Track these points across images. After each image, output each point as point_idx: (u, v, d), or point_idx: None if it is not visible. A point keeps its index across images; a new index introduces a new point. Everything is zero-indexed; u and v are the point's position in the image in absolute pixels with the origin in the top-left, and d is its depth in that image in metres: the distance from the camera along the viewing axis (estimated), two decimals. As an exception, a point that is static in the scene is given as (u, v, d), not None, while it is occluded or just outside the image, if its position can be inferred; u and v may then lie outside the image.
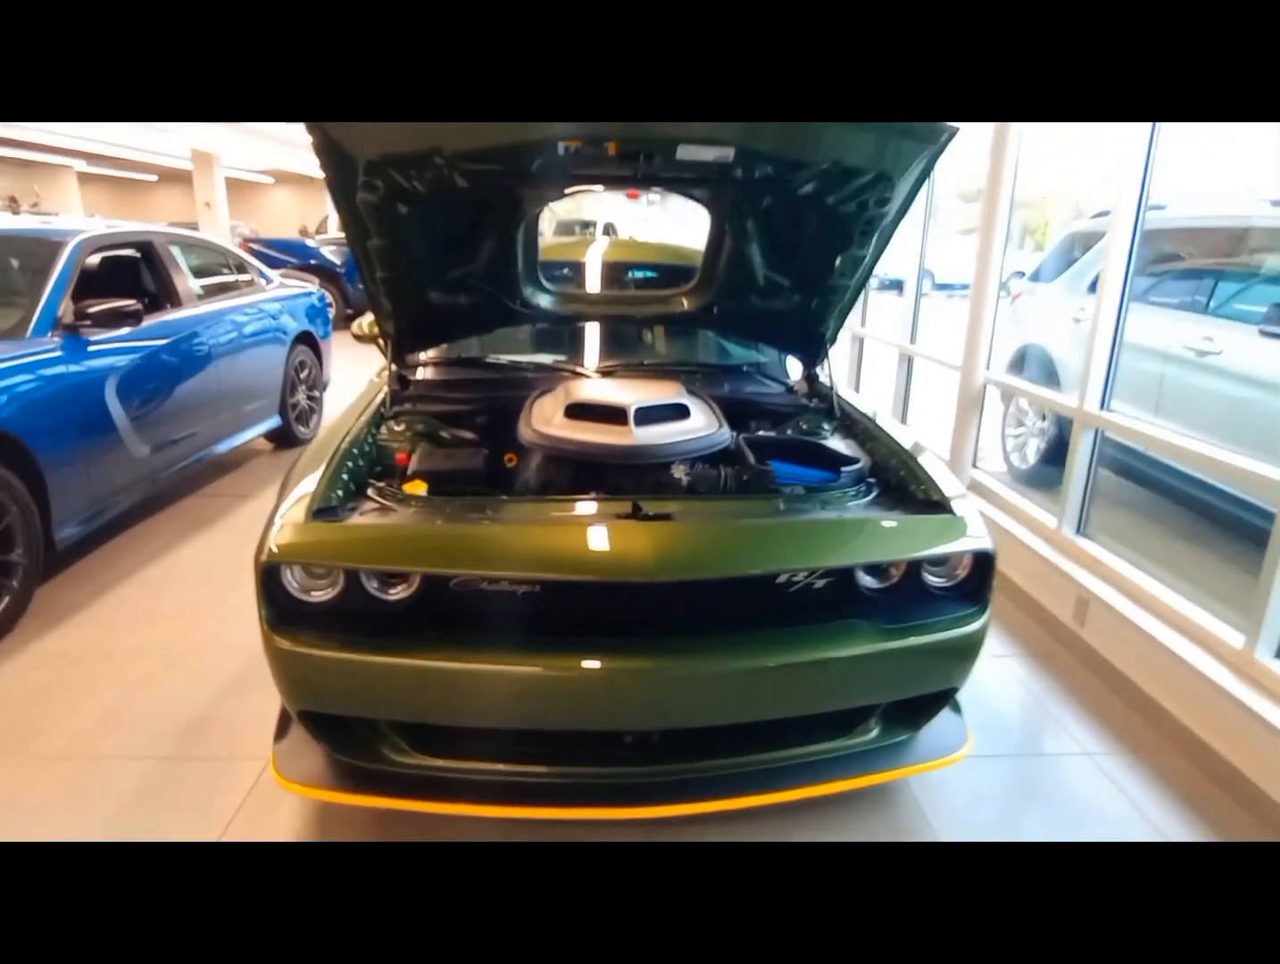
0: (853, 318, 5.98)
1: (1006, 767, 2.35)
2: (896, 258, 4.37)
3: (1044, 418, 4.73)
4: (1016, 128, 3.54)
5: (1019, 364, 5.33)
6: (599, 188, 2.33)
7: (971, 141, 3.27)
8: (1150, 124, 2.74)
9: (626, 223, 16.89)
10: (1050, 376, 4.88)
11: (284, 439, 5.20)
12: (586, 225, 16.32)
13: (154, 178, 23.83)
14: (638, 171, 2.03)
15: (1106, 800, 2.20)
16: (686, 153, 1.88)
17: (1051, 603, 3.10)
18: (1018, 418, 5.18)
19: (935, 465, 2.12)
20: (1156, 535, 4.02)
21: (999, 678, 2.80)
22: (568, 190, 2.25)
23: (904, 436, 2.31)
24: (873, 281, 4.90)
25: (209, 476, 4.61)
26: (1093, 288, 4.57)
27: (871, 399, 2.92)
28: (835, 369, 2.70)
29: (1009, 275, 5.40)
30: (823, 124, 1.85)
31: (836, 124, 1.85)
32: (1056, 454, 4.05)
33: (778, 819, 2.03)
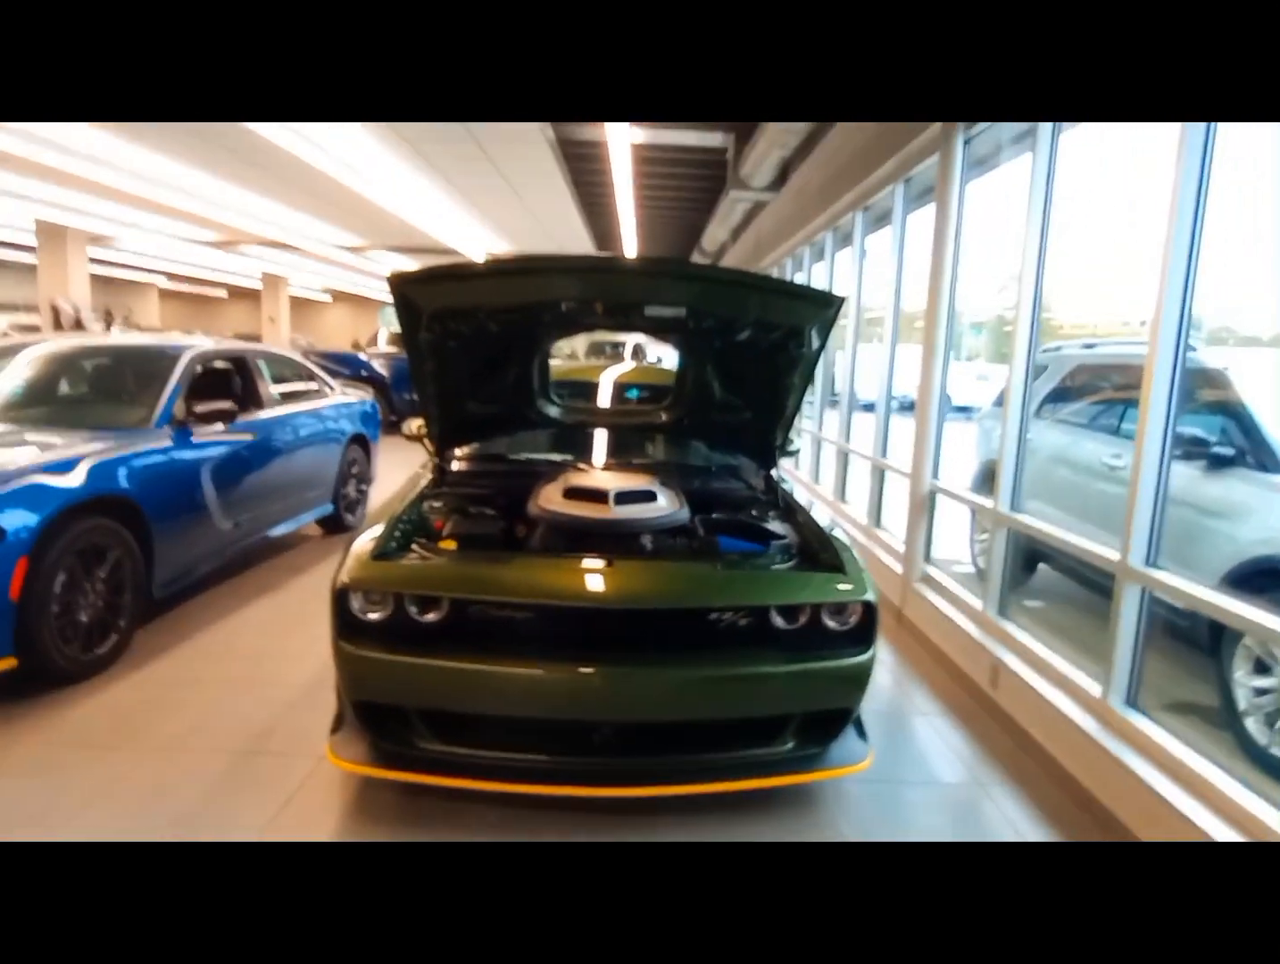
0: (838, 435, 6.74)
1: (909, 791, 2.88)
2: (907, 382, 5.00)
3: (1004, 525, 5.35)
4: (950, 257, 4.29)
5: (986, 476, 6.00)
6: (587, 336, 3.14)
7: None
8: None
9: (654, 346, 18.18)
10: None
11: (334, 525, 5.97)
12: (616, 346, 17.63)
13: (224, 295, 26.06)
14: (619, 321, 2.83)
15: (988, 813, 2.72)
16: (652, 311, 2.68)
17: (972, 670, 3.65)
18: (983, 526, 5.81)
19: (843, 543, 2.77)
20: (1059, 607, 4.60)
21: (923, 728, 3.34)
22: (571, 332, 3.06)
23: (826, 522, 2.98)
24: (893, 403, 5.72)
25: (269, 553, 5.36)
26: (1037, 412, 5.33)
27: (830, 500, 3.59)
28: (798, 471, 3.41)
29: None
30: (747, 291, 2.65)
31: (756, 291, 2.65)
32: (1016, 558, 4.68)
33: (716, 818, 2.58)
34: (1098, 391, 5.01)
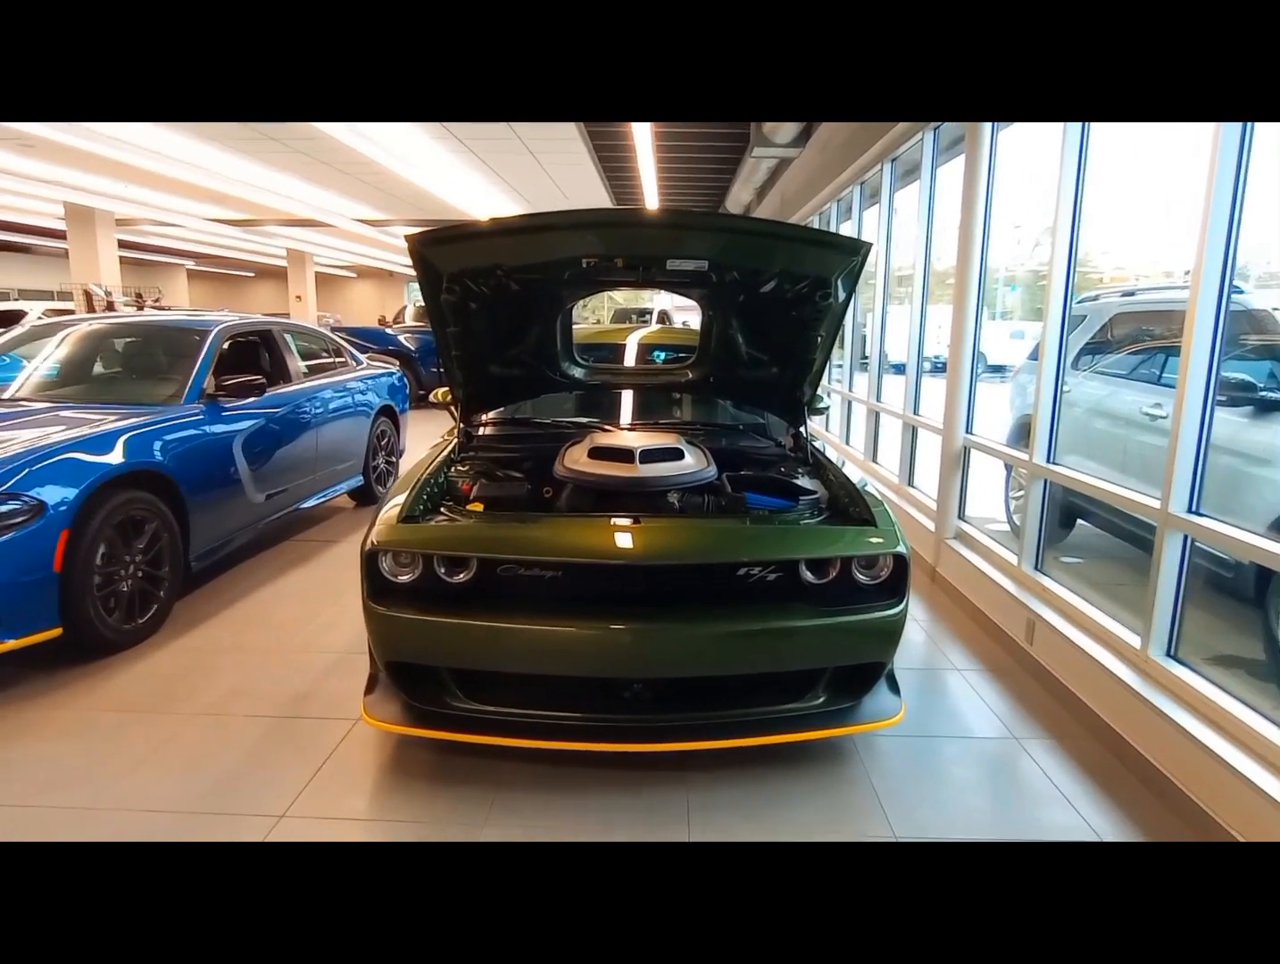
0: (868, 394, 6.64)
1: (942, 745, 2.85)
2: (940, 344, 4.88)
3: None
4: (981, 208, 4.19)
5: (1021, 430, 5.88)
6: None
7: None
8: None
9: (680, 312, 18.11)
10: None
11: (365, 496, 6.03)
12: (642, 314, 17.55)
13: (251, 274, 26.30)
14: (641, 277, 2.78)
15: (1024, 768, 2.69)
16: (674, 265, 2.62)
17: (1008, 625, 3.60)
18: (1018, 482, 5.69)
19: (874, 497, 2.73)
20: (1098, 564, 4.50)
21: (957, 684, 3.30)
22: (593, 291, 3.02)
23: (858, 479, 2.93)
24: (925, 365, 5.62)
25: (302, 526, 5.43)
26: (1074, 363, 5.18)
27: (861, 460, 3.53)
28: (829, 432, 3.35)
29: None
30: (770, 241, 2.58)
31: (779, 240, 2.58)
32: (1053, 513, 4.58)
33: (751, 769, 2.58)
34: (1138, 341, 4.85)
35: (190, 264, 24.04)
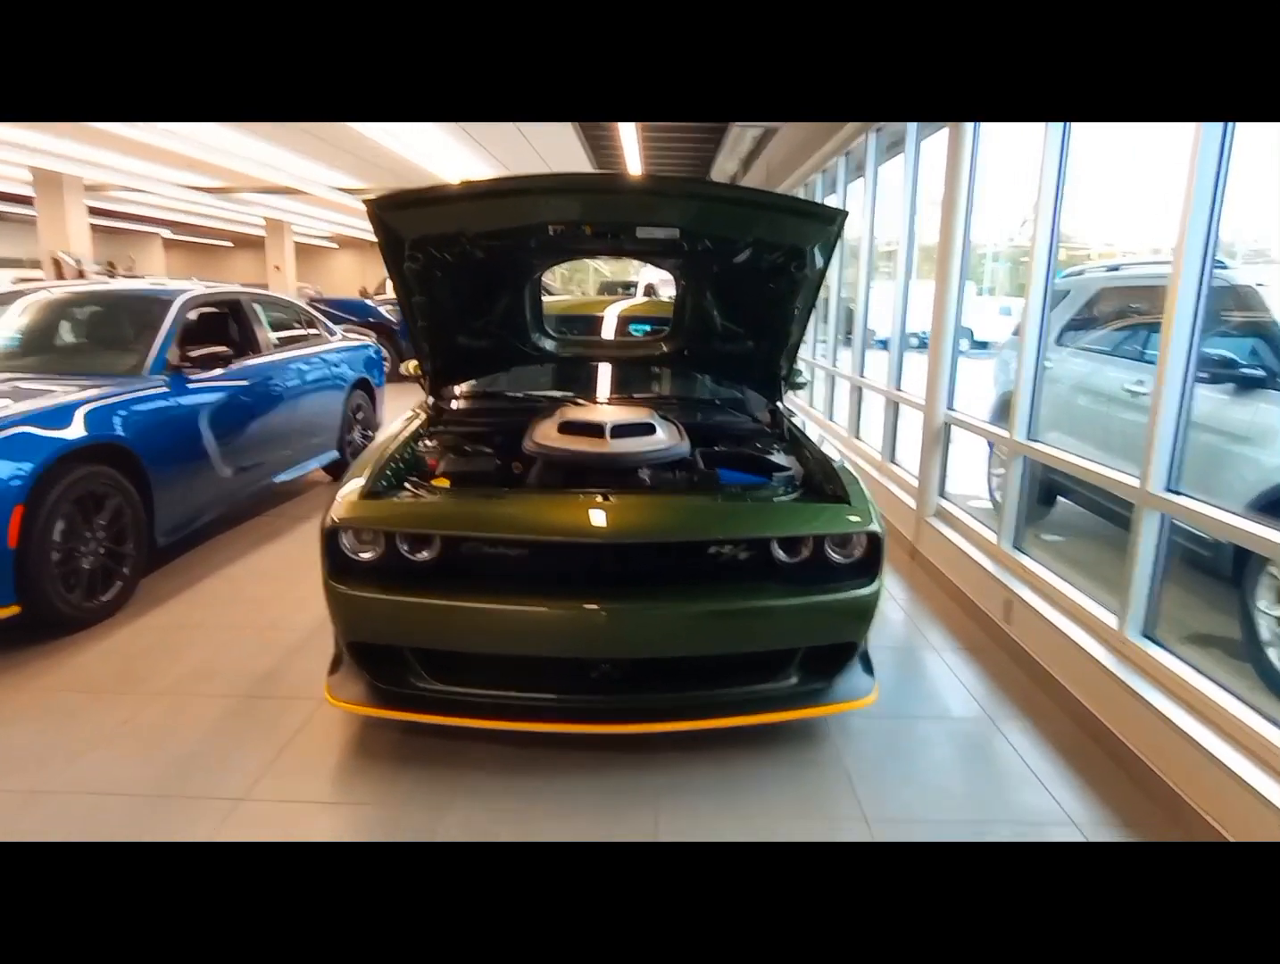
0: (851, 369, 6.58)
1: (917, 726, 2.83)
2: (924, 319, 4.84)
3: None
4: (965, 185, 4.11)
5: (1005, 406, 5.83)
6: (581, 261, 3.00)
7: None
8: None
9: (667, 285, 17.86)
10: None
11: (339, 471, 5.90)
12: (628, 286, 17.34)
13: (229, 244, 25.80)
14: (609, 245, 2.69)
15: (998, 749, 2.67)
16: (644, 232, 2.53)
17: (986, 604, 3.57)
18: (1000, 459, 5.66)
19: (850, 475, 2.67)
20: (1079, 542, 4.49)
21: (934, 663, 3.28)
22: (561, 259, 2.92)
23: (834, 455, 2.87)
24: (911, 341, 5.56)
25: (275, 501, 5.33)
26: (1058, 339, 5.13)
27: (844, 436, 3.47)
28: (811, 407, 3.29)
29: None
30: (744, 209, 2.49)
31: (754, 209, 2.49)
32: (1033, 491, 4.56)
33: (719, 750, 2.54)
34: (1123, 316, 4.80)
35: (166, 233, 23.52)
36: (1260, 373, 3.42)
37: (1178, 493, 2.58)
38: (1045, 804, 2.37)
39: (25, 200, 15.50)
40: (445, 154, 11.25)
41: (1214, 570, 3.43)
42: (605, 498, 2.39)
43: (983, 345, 12.86)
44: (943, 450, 4.49)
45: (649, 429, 2.78)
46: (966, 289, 5.05)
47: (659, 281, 17.85)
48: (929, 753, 2.66)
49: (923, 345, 5.97)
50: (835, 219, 2.53)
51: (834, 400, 7.46)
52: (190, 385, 4.13)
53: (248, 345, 4.92)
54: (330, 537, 2.34)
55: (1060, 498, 4.97)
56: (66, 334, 4.58)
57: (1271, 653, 3.12)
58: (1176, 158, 2.53)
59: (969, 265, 4.31)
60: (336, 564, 2.35)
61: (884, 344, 7.20)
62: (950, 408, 4.41)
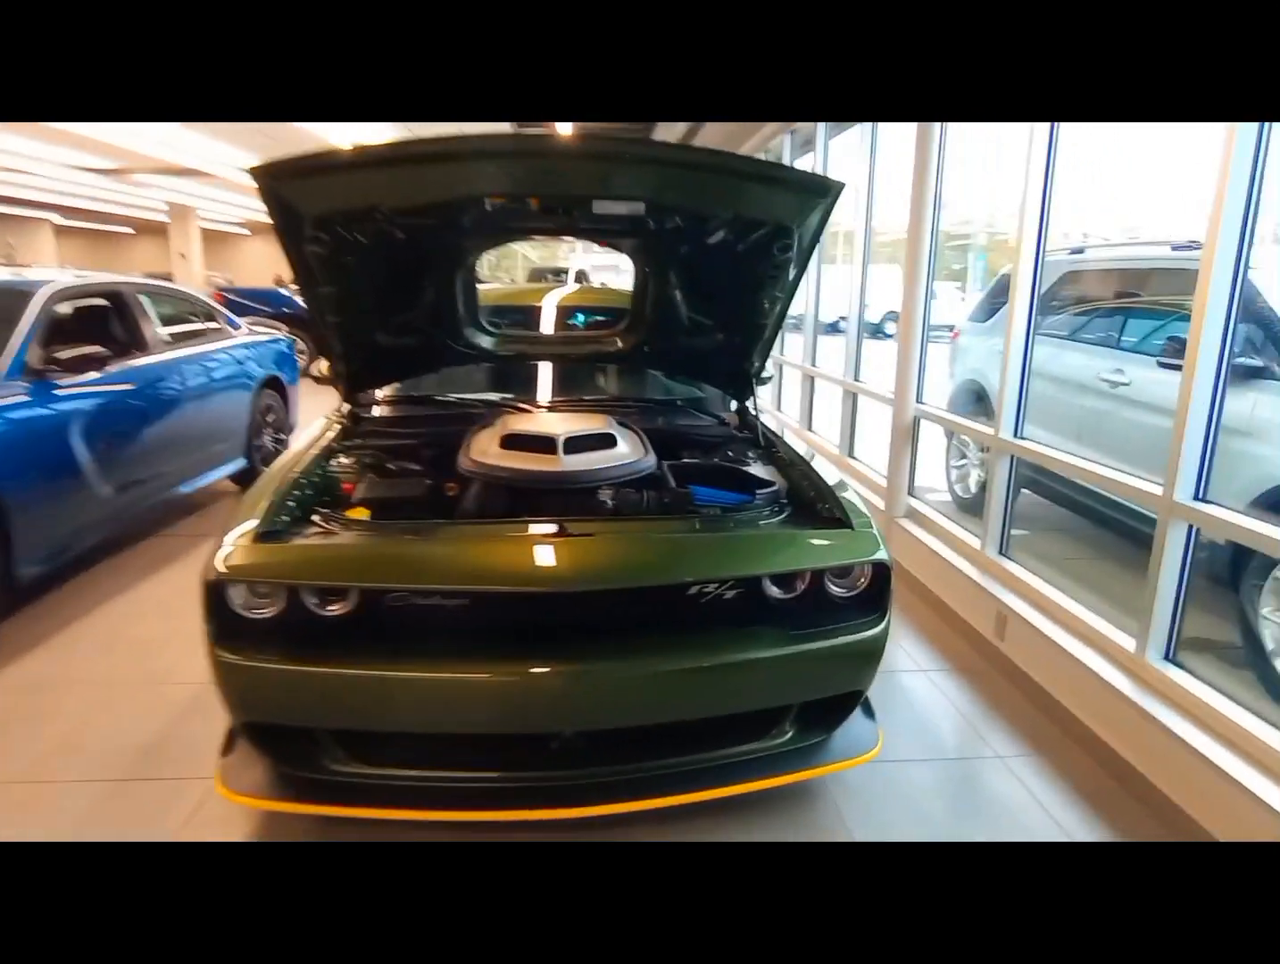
0: (803, 358, 6.25)
1: (916, 770, 2.49)
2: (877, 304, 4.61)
3: (984, 450, 4.96)
4: (934, 174, 3.81)
5: (964, 396, 5.59)
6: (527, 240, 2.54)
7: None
8: (1043, 173, 2.99)
9: (598, 272, 17.24)
10: (987, 407, 5.14)
11: (248, 479, 5.30)
12: (559, 273, 16.67)
13: (130, 231, 24.07)
14: (561, 223, 2.24)
15: (1013, 795, 2.35)
16: (601, 207, 2.09)
17: (975, 619, 3.27)
18: (960, 451, 5.42)
19: (843, 488, 2.30)
20: (1071, 550, 4.28)
21: (923, 688, 2.96)
22: (499, 240, 2.45)
23: (821, 464, 2.50)
24: (868, 328, 5.24)
25: (174, 517, 4.71)
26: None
27: (795, 427, 3.10)
28: (788, 405, 2.90)
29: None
30: (723, 179, 2.07)
31: (735, 179, 2.08)
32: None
33: (703, 820, 2.15)
34: (1091, 301, 4.58)
35: (56, 217, 21.71)
36: (1257, 363, 3.19)
37: (1207, 501, 2.30)
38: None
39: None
40: (368, 132, 10.49)
41: (1209, 573, 3.21)
42: (561, 531, 1.96)
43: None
44: (912, 447, 4.19)
45: (608, 441, 2.35)
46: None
47: (590, 267, 17.21)
48: (939, 803, 2.32)
49: (876, 334, 5.70)
50: (829, 191, 2.14)
51: (781, 389, 7.13)
52: (58, 391, 3.51)
53: (133, 343, 4.28)
54: (214, 592, 1.84)
55: (1023, 490, 4.76)
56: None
57: (1278, 661, 2.91)
58: (1146, 139, 2.26)
59: (938, 250, 3.99)
60: (225, 626, 1.85)
61: (833, 328, 6.92)
62: (920, 401, 4.11)
